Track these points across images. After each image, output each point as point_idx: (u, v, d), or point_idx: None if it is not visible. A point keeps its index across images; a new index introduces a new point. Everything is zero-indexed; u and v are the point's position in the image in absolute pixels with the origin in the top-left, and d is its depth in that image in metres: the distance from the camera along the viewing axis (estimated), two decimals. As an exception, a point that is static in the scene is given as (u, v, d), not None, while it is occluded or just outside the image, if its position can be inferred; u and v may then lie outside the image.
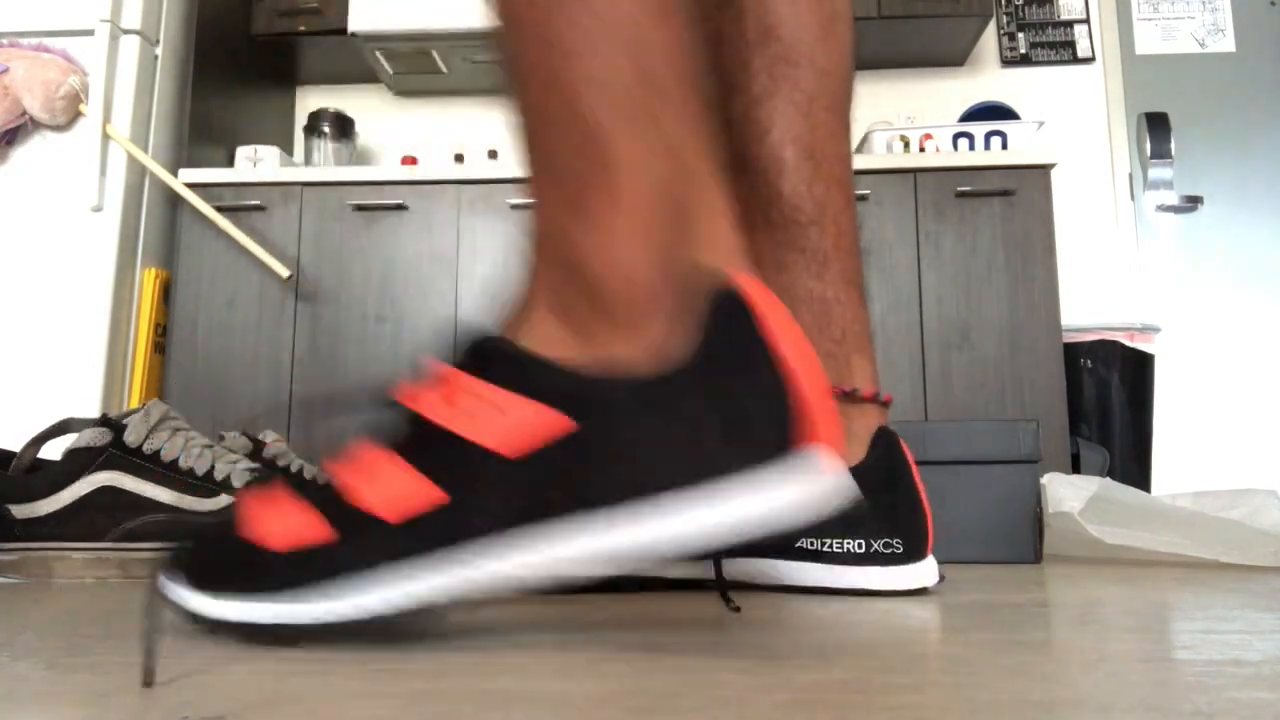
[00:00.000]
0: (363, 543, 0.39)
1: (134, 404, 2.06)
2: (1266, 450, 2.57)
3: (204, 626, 0.41)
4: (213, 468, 0.78)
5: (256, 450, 0.95)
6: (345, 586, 0.39)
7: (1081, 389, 2.11)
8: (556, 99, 0.41)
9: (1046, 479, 0.95)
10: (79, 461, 0.77)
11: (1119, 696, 0.32)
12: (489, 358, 0.39)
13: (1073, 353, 2.12)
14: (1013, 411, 2.07)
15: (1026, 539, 0.93)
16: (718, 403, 0.37)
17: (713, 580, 0.52)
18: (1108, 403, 2.11)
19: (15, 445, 0.82)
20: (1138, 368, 2.14)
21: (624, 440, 0.37)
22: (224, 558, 0.41)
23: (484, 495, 0.38)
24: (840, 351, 0.68)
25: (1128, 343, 2.14)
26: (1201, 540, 0.87)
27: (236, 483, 0.78)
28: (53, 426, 0.81)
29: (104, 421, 0.79)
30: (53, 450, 0.80)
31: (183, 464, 0.78)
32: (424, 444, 0.39)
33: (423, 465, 0.39)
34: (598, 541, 0.37)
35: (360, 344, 2.16)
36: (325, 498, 0.40)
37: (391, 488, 0.39)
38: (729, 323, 0.38)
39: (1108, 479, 0.93)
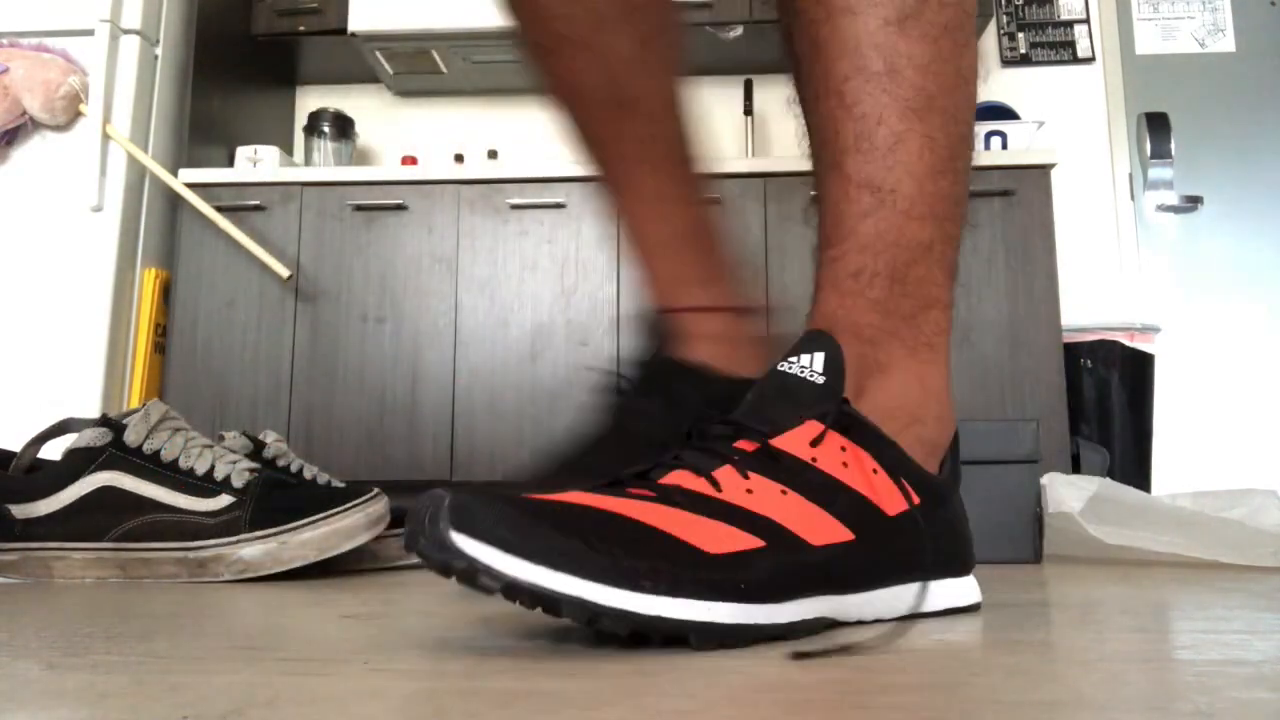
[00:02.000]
0: (791, 558, 0.43)
1: (134, 404, 2.06)
2: (1266, 450, 2.57)
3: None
4: (213, 468, 0.78)
5: (256, 450, 0.95)
6: (781, 594, 0.43)
7: (1081, 389, 2.11)
8: None
9: (1046, 479, 0.95)
10: (79, 461, 0.77)
11: (1119, 696, 0.32)
12: (858, 426, 0.48)
13: (1073, 353, 2.11)
14: (1013, 411, 2.07)
15: (1026, 539, 0.93)
16: (962, 515, 0.53)
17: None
18: (1108, 403, 2.11)
19: (15, 445, 0.82)
20: (1138, 368, 2.14)
21: (937, 524, 0.49)
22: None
23: (879, 542, 0.46)
24: None
25: (1128, 343, 2.14)
26: (1201, 540, 0.87)
27: (236, 482, 0.77)
28: (53, 426, 0.81)
29: (104, 421, 0.79)
30: (53, 450, 0.80)
31: (183, 464, 0.78)
32: (824, 489, 0.46)
33: (829, 508, 0.45)
34: (914, 600, 0.48)
35: (360, 344, 2.16)
36: (736, 511, 0.43)
37: (811, 520, 0.45)
38: (955, 456, 0.54)
39: (1108, 479, 0.93)
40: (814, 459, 0.45)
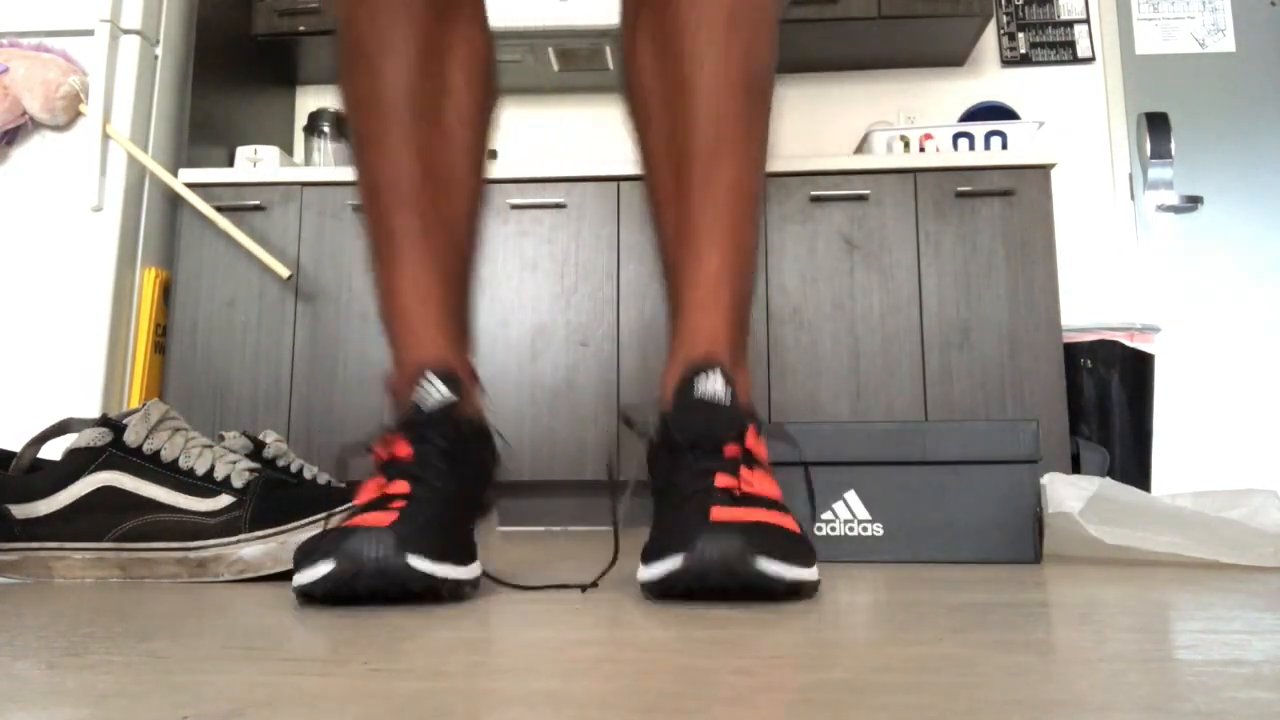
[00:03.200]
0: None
1: (134, 404, 2.06)
2: (1266, 450, 2.57)
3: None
4: (213, 468, 0.78)
5: (256, 450, 0.95)
6: None
7: (1081, 389, 2.11)
8: None
9: (1046, 479, 0.95)
10: (79, 461, 0.77)
11: (1119, 696, 0.32)
12: (760, 423, 0.67)
13: (1073, 353, 2.12)
14: (1013, 411, 2.07)
15: (1026, 539, 0.93)
16: None
17: None
18: (1108, 403, 2.11)
19: (15, 445, 0.82)
20: (1138, 368, 2.14)
21: None
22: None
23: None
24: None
25: (1128, 343, 2.14)
26: (1201, 540, 0.87)
27: (236, 482, 0.77)
28: (53, 426, 0.81)
29: (104, 421, 0.79)
30: (53, 450, 0.80)
31: (183, 464, 0.78)
32: (767, 466, 0.66)
33: (775, 477, 0.66)
34: None
35: (360, 344, 2.16)
36: (769, 500, 0.63)
37: (776, 488, 0.65)
38: None
39: (1108, 479, 0.93)
40: (758, 450, 0.65)
